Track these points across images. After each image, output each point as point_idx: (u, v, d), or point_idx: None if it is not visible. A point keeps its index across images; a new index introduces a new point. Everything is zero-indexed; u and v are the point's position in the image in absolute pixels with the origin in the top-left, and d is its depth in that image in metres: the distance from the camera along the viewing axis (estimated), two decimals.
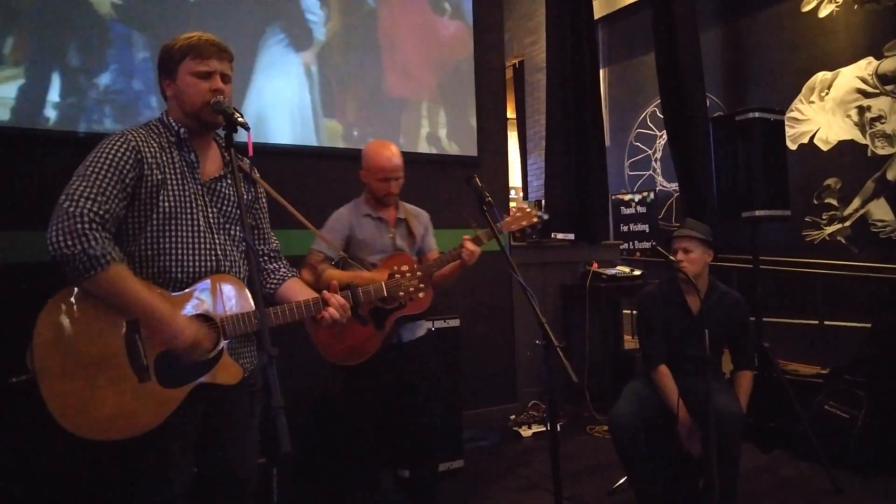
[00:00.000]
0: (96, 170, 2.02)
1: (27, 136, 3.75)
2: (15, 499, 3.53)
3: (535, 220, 3.38)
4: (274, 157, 4.28)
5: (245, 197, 2.36)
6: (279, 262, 2.50)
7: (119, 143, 2.08)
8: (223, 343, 2.16)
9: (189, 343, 2.03)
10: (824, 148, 6.49)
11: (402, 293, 2.43)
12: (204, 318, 2.15)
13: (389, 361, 3.38)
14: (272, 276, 2.45)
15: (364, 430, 3.44)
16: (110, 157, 2.05)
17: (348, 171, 4.78)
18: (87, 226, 1.94)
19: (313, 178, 4.67)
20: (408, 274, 2.46)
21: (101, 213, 1.98)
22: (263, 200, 2.49)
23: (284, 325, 2.23)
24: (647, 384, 3.63)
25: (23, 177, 3.71)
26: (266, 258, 2.48)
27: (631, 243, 7.85)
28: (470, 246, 3.20)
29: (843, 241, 6.32)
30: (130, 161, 2.07)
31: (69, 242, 1.91)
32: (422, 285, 2.47)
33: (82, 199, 1.96)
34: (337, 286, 2.32)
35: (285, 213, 2.33)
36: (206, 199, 2.26)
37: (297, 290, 2.40)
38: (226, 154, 2.32)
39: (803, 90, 6.67)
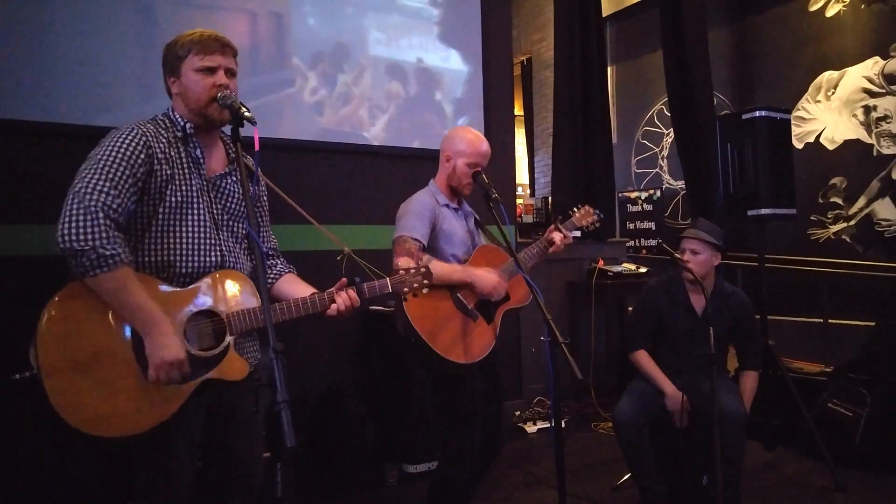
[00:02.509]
0: (109, 162, 2.00)
1: (28, 129, 3.75)
2: (19, 496, 3.56)
3: (595, 218, 3.59)
4: (283, 153, 4.31)
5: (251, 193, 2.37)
6: (276, 259, 2.50)
7: (131, 137, 2.07)
8: (229, 339, 2.16)
9: (166, 361, 1.98)
10: (830, 147, 6.49)
11: (406, 289, 2.41)
12: (210, 313, 2.15)
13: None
14: (269, 272, 2.45)
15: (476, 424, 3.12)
16: (123, 149, 2.03)
17: (356, 166, 4.85)
18: (102, 221, 1.91)
19: (320, 174, 4.70)
20: (412, 271, 2.43)
21: (114, 206, 1.96)
22: (265, 198, 2.50)
23: (290, 321, 2.22)
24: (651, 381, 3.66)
25: (24, 170, 3.73)
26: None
27: (637, 241, 7.84)
28: (558, 240, 3.35)
29: (848, 239, 6.32)
30: (142, 156, 2.06)
31: (82, 237, 1.89)
32: (426, 281, 2.43)
33: (96, 191, 1.94)
34: (345, 283, 2.31)
35: (285, 208, 2.33)
36: (211, 196, 2.26)
37: (293, 284, 2.41)
38: (231, 150, 2.31)
39: (810, 89, 6.66)
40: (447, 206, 3.25)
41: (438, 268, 2.93)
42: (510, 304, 3.24)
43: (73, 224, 1.90)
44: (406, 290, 2.42)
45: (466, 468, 3.11)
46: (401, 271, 2.43)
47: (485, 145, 3.24)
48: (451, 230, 3.20)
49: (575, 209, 3.57)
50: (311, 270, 2.53)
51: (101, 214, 1.93)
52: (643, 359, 3.67)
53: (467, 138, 3.24)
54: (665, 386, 3.54)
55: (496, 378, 3.30)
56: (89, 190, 1.94)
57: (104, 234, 1.92)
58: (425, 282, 2.44)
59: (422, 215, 3.12)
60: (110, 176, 1.98)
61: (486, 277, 3.09)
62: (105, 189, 1.96)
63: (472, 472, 3.17)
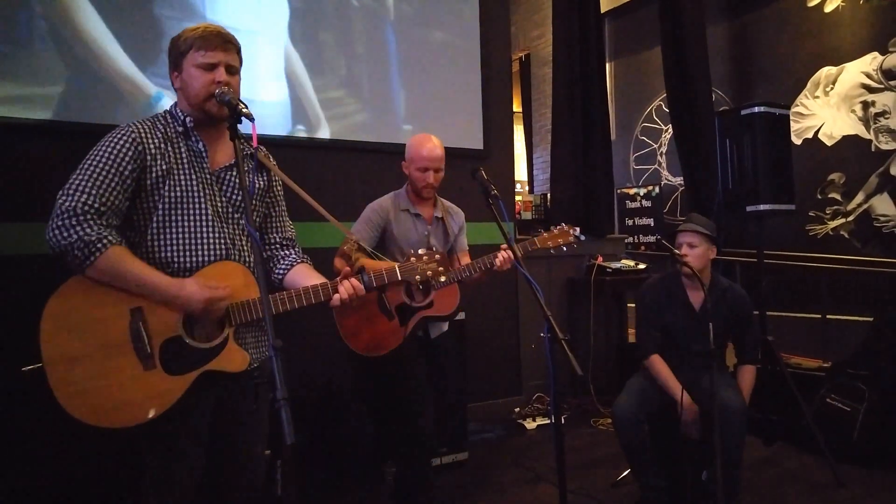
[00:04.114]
0: (94, 163, 2.04)
1: (30, 128, 3.77)
2: (18, 490, 3.57)
3: (572, 239, 3.38)
4: (286, 150, 4.31)
5: (258, 185, 2.36)
6: (291, 250, 2.49)
7: (119, 137, 2.10)
8: (228, 330, 2.16)
9: (204, 303, 2.05)
10: (829, 143, 6.50)
11: (417, 276, 2.36)
12: None
13: (418, 353, 3.40)
14: (281, 263, 2.44)
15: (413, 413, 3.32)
16: (109, 150, 2.07)
17: (354, 164, 4.85)
18: (80, 217, 1.97)
19: (320, 172, 4.70)
20: (424, 258, 2.38)
21: (96, 205, 2.00)
22: (278, 188, 2.48)
23: (292, 311, 2.21)
24: (650, 377, 3.66)
25: (28, 168, 3.74)
26: (277, 246, 2.47)
27: (636, 237, 7.86)
28: (499, 261, 3.21)
29: (846, 235, 6.33)
30: (130, 153, 2.08)
31: (65, 234, 1.95)
32: (441, 268, 2.38)
33: (77, 192, 2.00)
34: (349, 272, 2.29)
35: (302, 205, 2.32)
36: (215, 189, 2.26)
37: (304, 274, 2.39)
38: (239, 143, 2.32)
39: (808, 85, 6.67)
40: (407, 210, 3.46)
41: (368, 263, 3.09)
42: (430, 312, 3.36)
43: (56, 225, 1.97)
44: (417, 276, 2.37)
45: (418, 463, 3.37)
46: (412, 258, 2.39)
47: (425, 149, 3.38)
48: (401, 234, 3.42)
49: (552, 227, 3.42)
50: (321, 266, 2.52)
51: (79, 211, 1.98)
52: (658, 364, 3.63)
53: (412, 146, 3.44)
54: (678, 394, 3.51)
55: (441, 371, 3.53)
56: (70, 192, 2.01)
57: (85, 225, 1.97)
58: (440, 269, 2.39)
59: (369, 220, 3.42)
60: (93, 177, 2.03)
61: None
62: (86, 189, 2.01)
63: (424, 465, 3.41)
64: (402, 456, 3.42)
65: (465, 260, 3.53)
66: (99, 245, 1.96)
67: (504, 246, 3.22)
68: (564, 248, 3.37)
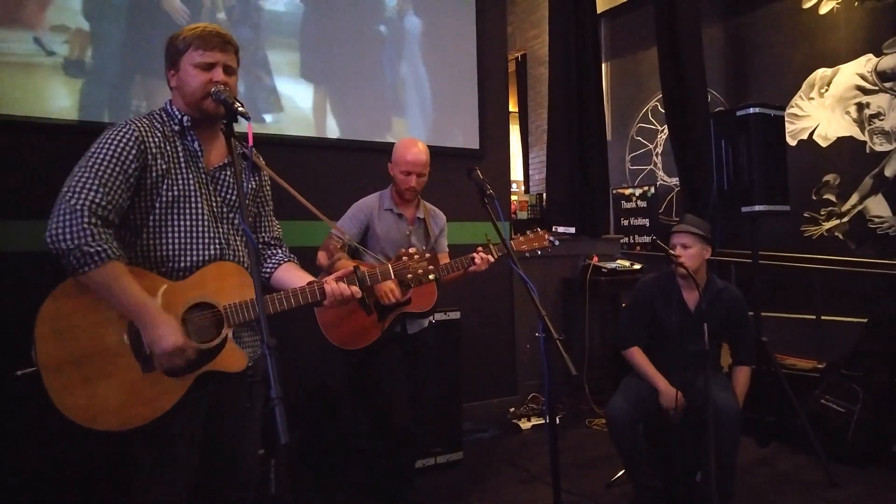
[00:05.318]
0: (99, 160, 2.01)
1: (27, 126, 3.77)
2: (13, 491, 3.56)
3: (546, 243, 3.44)
4: (284, 149, 4.31)
5: (249, 185, 2.36)
6: (278, 249, 2.50)
7: (122, 134, 2.07)
8: (227, 331, 2.15)
9: (166, 350, 2.00)
10: (823, 144, 6.51)
11: (410, 275, 2.39)
12: (206, 305, 2.15)
13: (395, 348, 3.51)
14: (269, 261, 2.45)
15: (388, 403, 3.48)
16: (113, 147, 2.04)
17: (348, 162, 4.84)
18: (86, 220, 1.93)
19: (317, 170, 4.70)
20: (416, 256, 2.41)
21: (103, 204, 1.97)
22: (268, 188, 2.49)
23: (287, 311, 2.21)
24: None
25: (25, 166, 3.73)
26: (264, 245, 2.48)
27: (631, 237, 7.86)
28: (479, 260, 3.29)
29: (840, 236, 6.34)
30: (133, 152, 2.06)
31: (67, 237, 1.91)
32: (431, 267, 2.42)
33: (84, 190, 1.96)
34: (348, 271, 2.31)
35: (291, 203, 2.32)
36: (210, 188, 2.25)
37: (292, 273, 2.40)
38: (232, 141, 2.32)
39: (803, 86, 6.68)
40: (391, 210, 3.59)
41: (348, 264, 3.22)
42: (408, 309, 3.47)
43: (59, 224, 1.93)
44: (410, 275, 2.40)
45: (398, 454, 3.57)
46: (404, 257, 2.42)
47: (410, 154, 3.51)
48: (384, 232, 3.55)
49: (528, 232, 3.48)
50: (310, 265, 2.52)
51: (86, 213, 1.94)
52: (637, 356, 3.69)
53: (398, 149, 3.57)
54: (658, 382, 3.56)
55: (417, 366, 3.64)
56: (77, 190, 1.97)
57: (88, 233, 1.93)
58: (430, 267, 2.42)
59: (354, 217, 3.57)
60: (99, 174, 2.00)
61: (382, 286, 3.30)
62: (93, 188, 1.98)
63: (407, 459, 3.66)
64: (382, 447, 3.59)
65: (444, 262, 3.55)
66: (97, 258, 1.93)
67: (479, 249, 3.34)
68: (539, 252, 3.45)
